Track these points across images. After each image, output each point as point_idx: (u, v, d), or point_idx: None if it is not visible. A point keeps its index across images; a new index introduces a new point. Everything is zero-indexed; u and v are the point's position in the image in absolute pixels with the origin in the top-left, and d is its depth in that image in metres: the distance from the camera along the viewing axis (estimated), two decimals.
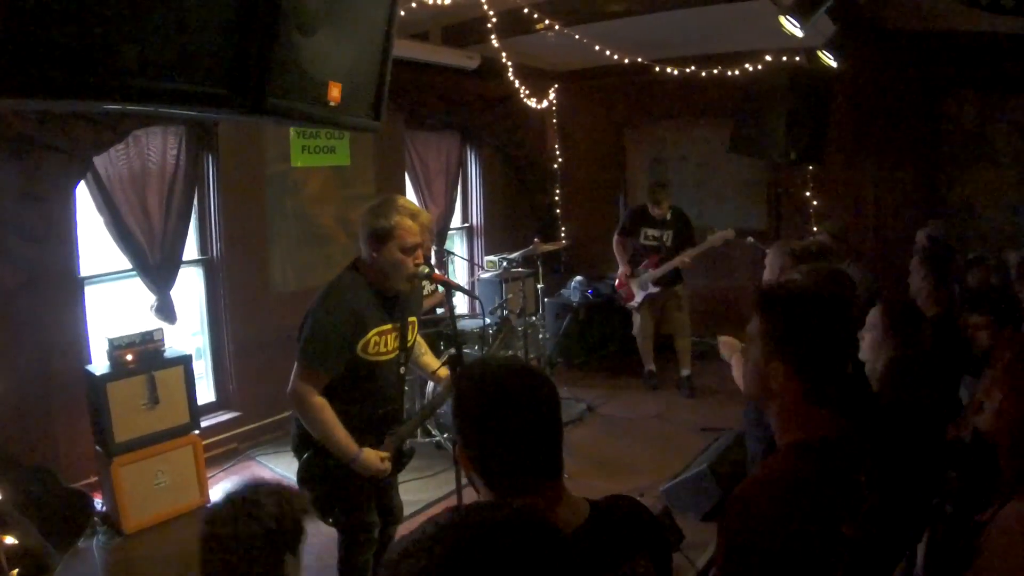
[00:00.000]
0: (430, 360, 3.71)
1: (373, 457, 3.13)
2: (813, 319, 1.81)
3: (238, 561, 1.87)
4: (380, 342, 3.22)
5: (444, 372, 3.54)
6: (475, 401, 1.61)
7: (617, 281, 7.53)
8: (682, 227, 7.29)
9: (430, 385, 5.79)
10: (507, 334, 4.37)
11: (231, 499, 1.97)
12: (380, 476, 3.18)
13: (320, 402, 3.08)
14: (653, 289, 7.26)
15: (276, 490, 2.03)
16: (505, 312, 6.93)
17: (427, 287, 6.45)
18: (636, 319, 7.48)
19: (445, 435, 5.66)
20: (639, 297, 7.32)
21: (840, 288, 3.07)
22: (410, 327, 3.42)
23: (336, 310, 3.10)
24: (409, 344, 3.43)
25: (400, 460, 3.41)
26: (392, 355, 3.30)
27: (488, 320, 6.39)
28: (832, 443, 1.75)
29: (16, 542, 3.13)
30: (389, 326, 3.26)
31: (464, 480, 3.34)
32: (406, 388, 3.62)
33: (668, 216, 7.21)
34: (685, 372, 7.45)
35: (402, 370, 3.42)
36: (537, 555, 1.07)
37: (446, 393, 3.46)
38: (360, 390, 3.23)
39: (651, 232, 7.28)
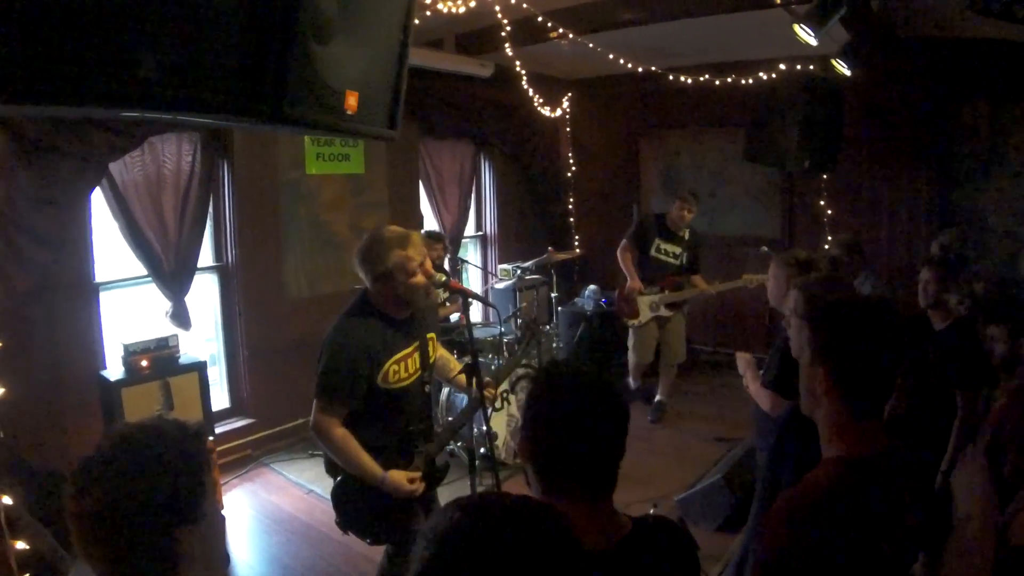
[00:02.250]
0: (449, 364, 3.71)
1: (400, 478, 3.12)
2: (861, 328, 1.80)
3: (112, 544, 1.37)
4: (399, 369, 3.22)
5: (462, 379, 3.53)
6: (551, 402, 1.65)
7: (620, 292, 7.03)
8: (698, 249, 6.90)
9: (444, 391, 5.79)
10: (532, 338, 4.35)
11: (96, 458, 1.44)
12: (412, 496, 3.16)
13: (341, 434, 3.09)
14: (665, 312, 6.84)
15: (141, 434, 1.47)
16: (529, 318, 6.73)
17: (440, 295, 6.46)
18: (634, 336, 7.01)
19: (459, 444, 5.65)
20: (645, 317, 6.86)
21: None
22: (429, 343, 3.41)
23: (348, 347, 3.11)
24: (432, 361, 3.43)
25: (434, 475, 3.39)
26: (414, 377, 3.30)
27: (504, 329, 6.38)
28: (877, 459, 1.73)
29: (27, 547, 3.14)
30: (408, 350, 3.26)
31: (479, 489, 3.35)
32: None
33: (687, 234, 6.83)
34: (660, 398, 7.10)
35: (427, 388, 3.41)
36: (544, 560, 1.08)
37: (470, 410, 3.47)
38: (386, 416, 3.23)
39: (667, 247, 6.83)
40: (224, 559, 1.53)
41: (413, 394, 3.33)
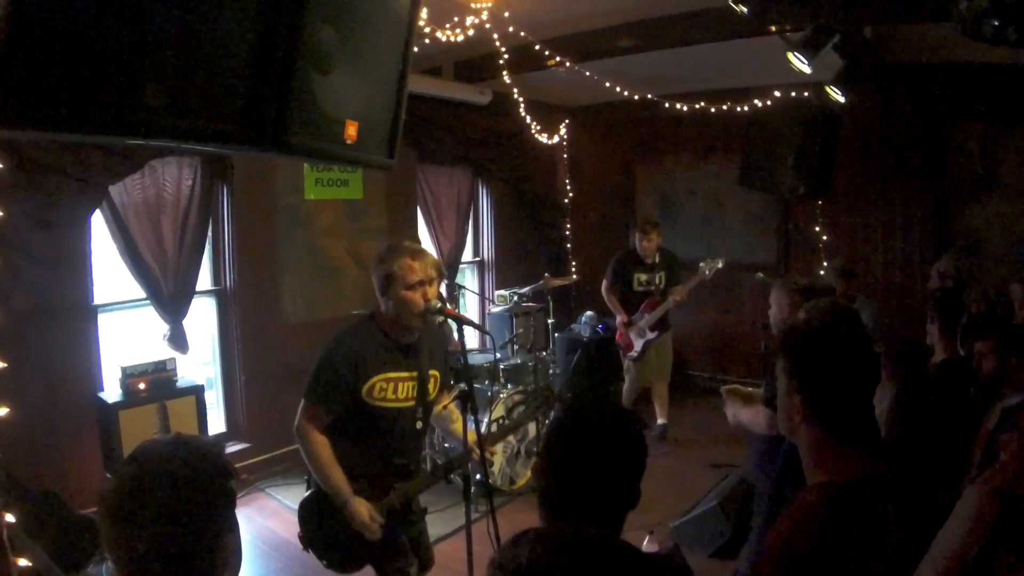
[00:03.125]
0: (451, 416, 3.61)
1: (363, 509, 3.06)
2: (829, 356, 1.82)
3: (153, 554, 1.41)
4: (388, 388, 3.21)
5: (457, 429, 3.49)
6: (569, 434, 1.69)
7: (617, 333, 7.33)
8: (672, 267, 7.19)
9: (437, 432, 5.75)
10: (542, 406, 4.35)
11: (130, 481, 1.44)
12: (366, 532, 3.08)
13: (319, 439, 3.11)
14: (651, 335, 7.10)
15: (184, 457, 1.49)
16: (543, 384, 6.65)
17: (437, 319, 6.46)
18: (630, 370, 7.26)
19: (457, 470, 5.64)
20: (639, 345, 7.12)
21: (846, 323, 3.07)
22: (432, 380, 3.39)
23: (337, 352, 3.15)
24: (430, 399, 3.40)
25: (407, 517, 3.36)
26: (406, 404, 3.28)
27: (499, 355, 6.38)
28: (862, 482, 1.75)
29: (30, 564, 3.14)
30: (405, 374, 3.25)
31: (474, 515, 3.35)
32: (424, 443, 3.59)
33: (657, 259, 7.11)
34: (662, 421, 7.26)
35: (418, 424, 3.38)
36: None
37: (462, 458, 3.42)
38: (369, 435, 3.23)
39: (642, 277, 7.15)
40: (239, 562, 1.59)
41: (402, 423, 3.29)
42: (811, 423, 1.80)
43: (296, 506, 3.27)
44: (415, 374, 3.29)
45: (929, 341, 4.41)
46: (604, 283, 7.31)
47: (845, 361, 1.81)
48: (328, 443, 3.11)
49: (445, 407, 3.57)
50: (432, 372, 3.39)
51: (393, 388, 3.23)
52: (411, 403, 3.30)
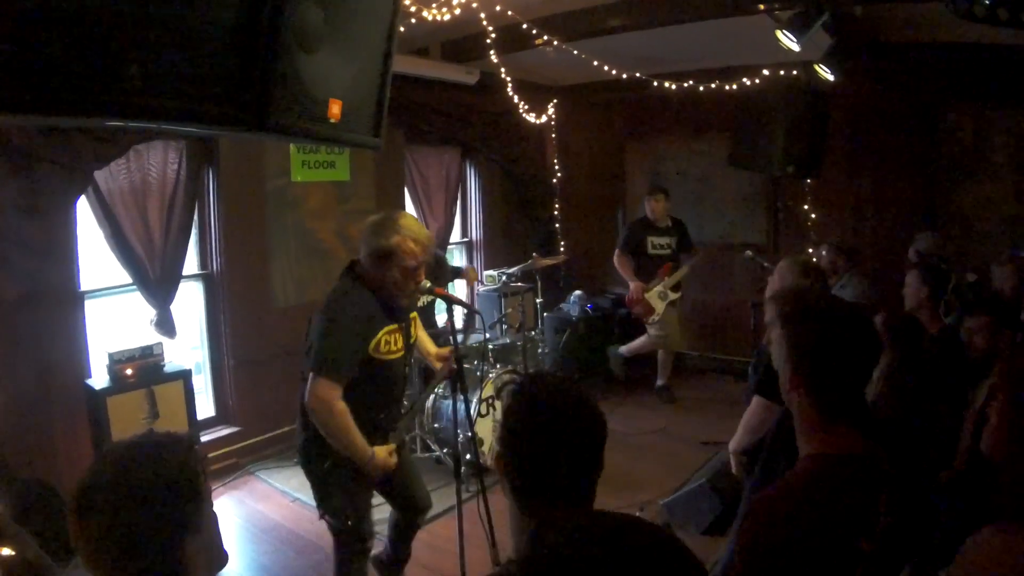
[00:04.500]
0: (427, 345, 3.80)
1: (384, 454, 3.22)
2: (832, 336, 1.82)
3: (107, 551, 1.43)
4: (390, 340, 3.28)
5: (441, 351, 3.72)
6: (527, 416, 1.66)
7: (630, 297, 7.36)
8: (683, 234, 7.49)
9: (429, 400, 5.79)
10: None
11: (90, 469, 1.48)
12: (389, 469, 3.25)
13: (342, 408, 3.11)
14: (673, 295, 7.32)
15: (143, 449, 1.51)
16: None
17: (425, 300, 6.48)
18: (659, 330, 7.35)
19: (445, 450, 5.66)
20: (661, 308, 7.27)
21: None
22: (412, 323, 3.49)
23: (346, 315, 3.16)
24: (412, 340, 3.50)
25: (400, 452, 3.47)
26: (399, 354, 3.35)
27: (489, 335, 6.38)
28: (853, 458, 1.75)
29: (12, 553, 3.13)
30: (395, 326, 3.31)
31: (465, 495, 3.36)
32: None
33: (669, 223, 7.38)
34: (661, 382, 7.60)
35: (407, 369, 3.49)
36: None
37: (432, 388, 3.56)
38: (372, 390, 3.29)
39: (657, 240, 7.37)
40: (221, 558, 1.57)
41: (396, 372, 3.39)
42: (801, 395, 1.81)
43: (288, 489, 3.34)
44: (402, 323, 3.37)
45: (908, 307, 4.44)
46: (616, 251, 7.50)
47: (843, 339, 1.81)
48: (347, 410, 3.13)
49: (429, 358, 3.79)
50: (412, 315, 3.50)
51: (393, 340, 3.30)
52: (402, 351, 3.37)
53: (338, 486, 3.28)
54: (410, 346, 3.47)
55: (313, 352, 3.13)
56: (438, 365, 3.71)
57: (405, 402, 3.72)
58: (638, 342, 7.52)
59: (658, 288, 7.25)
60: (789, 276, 3.65)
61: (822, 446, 1.78)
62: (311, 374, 3.12)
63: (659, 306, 7.26)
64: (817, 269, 3.69)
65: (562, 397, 1.67)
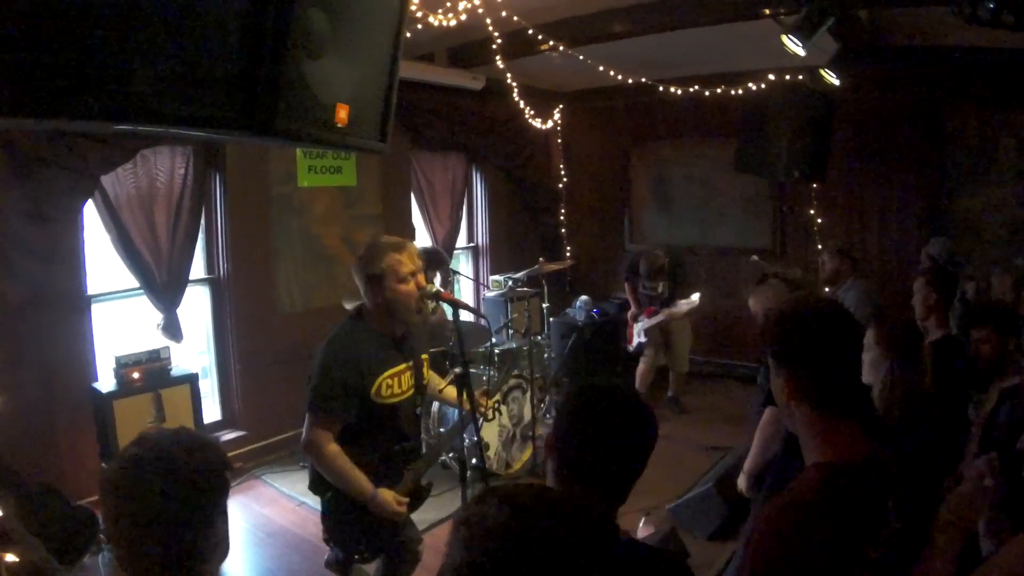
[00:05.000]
0: (436, 383, 3.75)
1: (389, 498, 3.14)
2: (804, 327, 1.83)
3: (159, 540, 1.51)
4: (394, 384, 3.24)
5: (451, 391, 3.58)
6: (592, 412, 1.79)
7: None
8: (676, 274, 7.44)
9: (435, 405, 5.80)
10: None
11: (131, 464, 1.54)
12: (396, 518, 3.19)
13: (334, 450, 3.09)
14: (643, 339, 7.40)
15: (183, 444, 1.59)
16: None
17: (431, 306, 6.47)
18: (640, 362, 7.47)
19: (452, 455, 5.65)
20: (636, 342, 7.45)
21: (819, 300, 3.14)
22: (424, 364, 3.44)
23: (337, 361, 3.12)
24: (425, 382, 3.46)
25: (419, 495, 3.42)
26: (407, 394, 3.31)
27: (495, 340, 6.39)
28: (857, 466, 1.74)
29: (17, 559, 3.13)
30: (403, 366, 3.28)
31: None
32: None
33: (663, 268, 7.38)
34: (671, 394, 7.60)
35: (418, 410, 3.43)
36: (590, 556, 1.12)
37: (456, 429, 3.52)
38: (378, 432, 3.25)
39: (647, 283, 7.41)
40: (227, 550, 1.67)
41: (405, 412, 3.34)
42: (800, 401, 1.80)
43: (294, 493, 3.35)
44: (411, 363, 3.32)
45: (919, 316, 4.43)
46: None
47: (820, 330, 1.81)
48: (341, 451, 3.10)
49: (441, 390, 3.70)
50: (423, 356, 3.45)
51: (398, 383, 3.25)
52: (411, 392, 3.33)
53: (346, 516, 3.23)
54: (422, 386, 3.43)
55: (309, 393, 3.13)
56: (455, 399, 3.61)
57: (427, 440, 3.68)
58: (637, 380, 7.46)
59: (640, 324, 7.42)
60: (768, 301, 3.68)
61: (828, 453, 1.76)
62: (307, 416, 3.13)
63: (635, 340, 7.49)
64: (797, 284, 3.72)
65: (625, 403, 1.80)
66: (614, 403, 1.78)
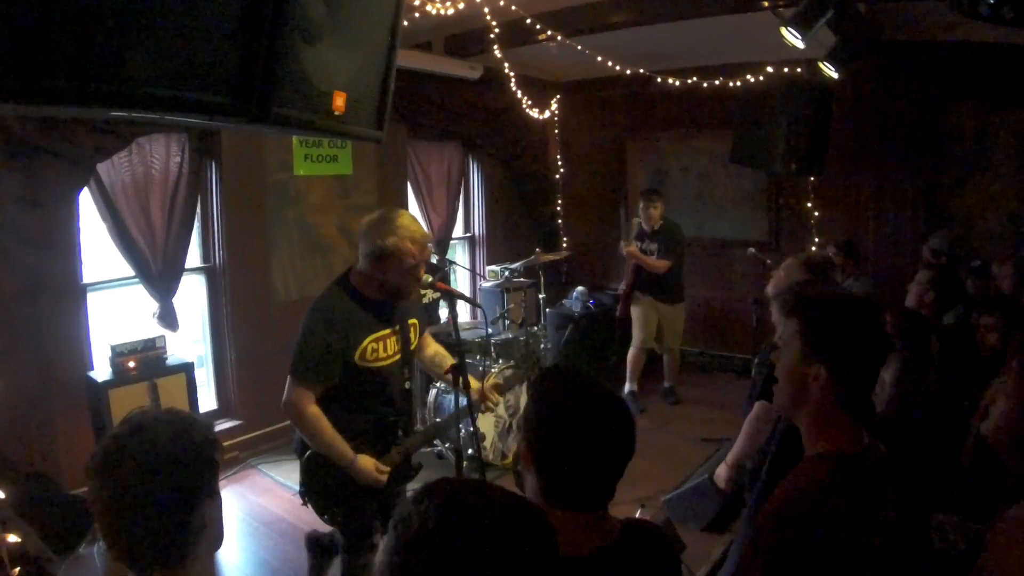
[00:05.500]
0: (438, 354, 3.73)
1: (369, 464, 3.17)
2: (855, 322, 1.81)
3: (137, 520, 1.48)
4: (379, 348, 3.25)
5: (440, 356, 3.65)
6: (563, 411, 1.64)
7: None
8: (669, 238, 7.16)
9: (431, 392, 5.80)
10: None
11: (112, 443, 1.52)
12: (375, 486, 3.19)
13: (314, 412, 3.12)
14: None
15: (169, 421, 1.57)
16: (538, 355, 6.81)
17: (430, 295, 6.48)
18: (631, 346, 7.39)
19: (447, 445, 5.66)
20: (620, 308, 7.45)
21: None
22: (411, 329, 3.45)
23: (320, 325, 3.14)
24: (412, 347, 3.46)
25: (407, 473, 3.44)
26: (394, 359, 3.32)
27: (491, 330, 6.39)
28: (859, 456, 1.75)
29: (19, 540, 3.14)
30: (387, 331, 3.28)
31: None
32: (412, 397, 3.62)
33: (657, 226, 7.16)
34: (668, 384, 7.53)
35: (407, 384, 3.43)
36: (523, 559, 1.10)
37: (453, 418, 3.51)
38: (365, 397, 3.26)
39: (645, 247, 7.30)
40: (220, 538, 1.63)
41: (393, 379, 3.34)
42: (828, 392, 1.78)
43: (290, 483, 3.35)
44: (397, 327, 3.33)
45: (908, 304, 4.44)
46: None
47: (867, 329, 1.81)
48: (321, 414, 3.12)
49: (441, 375, 3.67)
50: (411, 321, 3.45)
51: (383, 347, 3.27)
52: (397, 357, 3.34)
53: (324, 476, 3.23)
54: (409, 352, 3.43)
55: (292, 355, 3.15)
56: (445, 375, 3.59)
57: (420, 420, 3.66)
58: (628, 366, 7.41)
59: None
60: (795, 274, 3.65)
61: (829, 444, 1.76)
62: (288, 378, 3.15)
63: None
64: (820, 265, 3.68)
65: (595, 395, 1.65)
66: (592, 399, 1.64)
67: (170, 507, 1.49)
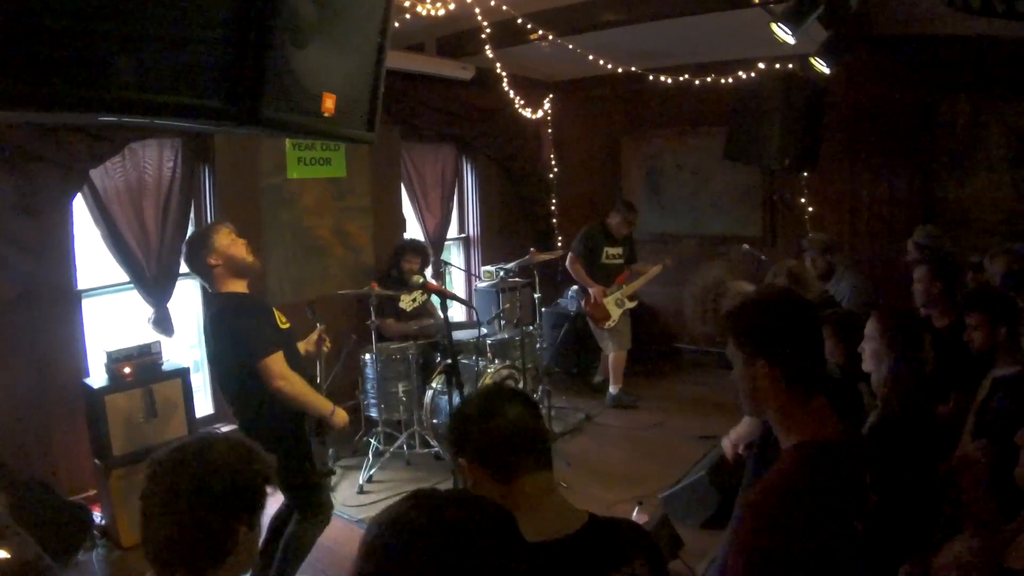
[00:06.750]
0: None
1: (343, 412, 3.65)
2: (768, 308, 1.92)
3: (177, 522, 1.58)
4: (279, 315, 3.76)
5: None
6: (469, 420, 1.85)
7: (588, 302, 7.38)
8: (632, 245, 7.61)
9: (428, 395, 5.81)
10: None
11: (176, 448, 1.66)
12: (344, 432, 3.84)
13: (297, 376, 3.47)
14: (630, 305, 7.41)
15: (234, 444, 1.72)
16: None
17: (420, 297, 6.50)
18: (611, 336, 7.35)
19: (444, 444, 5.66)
20: (617, 315, 7.32)
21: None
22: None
23: (243, 306, 3.56)
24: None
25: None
26: (287, 324, 3.76)
27: (486, 330, 6.39)
28: (835, 443, 1.77)
29: (8, 556, 3.12)
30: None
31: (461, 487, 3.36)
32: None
33: (627, 232, 7.47)
34: (614, 390, 7.43)
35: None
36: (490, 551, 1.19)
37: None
38: (293, 357, 3.63)
39: (612, 251, 7.42)
40: (255, 563, 1.75)
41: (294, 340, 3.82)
42: (778, 384, 1.81)
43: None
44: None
45: (919, 303, 4.44)
46: (571, 255, 7.50)
47: (779, 308, 1.91)
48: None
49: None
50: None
51: (279, 315, 3.77)
52: (287, 324, 3.78)
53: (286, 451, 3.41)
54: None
55: (244, 347, 3.41)
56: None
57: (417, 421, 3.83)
58: (610, 367, 7.43)
59: (616, 295, 7.33)
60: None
61: (805, 432, 1.79)
62: (257, 363, 3.37)
63: (615, 313, 7.30)
64: (797, 276, 3.77)
65: (490, 390, 1.98)
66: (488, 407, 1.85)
67: (209, 520, 1.60)
